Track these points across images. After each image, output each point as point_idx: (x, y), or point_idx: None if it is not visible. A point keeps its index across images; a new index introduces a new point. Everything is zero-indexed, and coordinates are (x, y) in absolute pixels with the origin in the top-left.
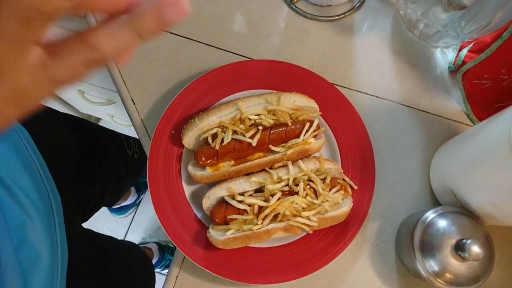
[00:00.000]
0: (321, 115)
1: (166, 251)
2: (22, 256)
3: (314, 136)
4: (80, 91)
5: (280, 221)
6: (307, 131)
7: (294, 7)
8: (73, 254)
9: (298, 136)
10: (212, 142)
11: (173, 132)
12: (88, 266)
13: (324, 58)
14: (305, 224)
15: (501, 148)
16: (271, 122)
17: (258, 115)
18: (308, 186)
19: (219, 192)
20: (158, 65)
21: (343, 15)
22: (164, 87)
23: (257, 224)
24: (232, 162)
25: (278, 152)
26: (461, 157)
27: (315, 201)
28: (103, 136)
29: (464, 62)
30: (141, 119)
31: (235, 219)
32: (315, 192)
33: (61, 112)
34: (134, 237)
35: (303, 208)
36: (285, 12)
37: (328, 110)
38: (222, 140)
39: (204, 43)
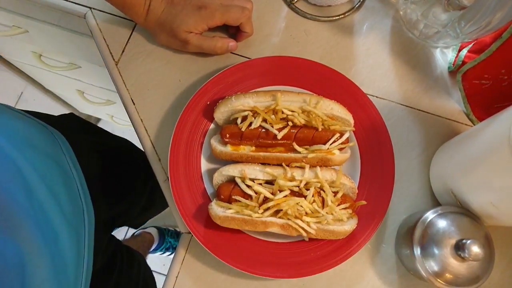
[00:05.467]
0: (354, 131)
1: (166, 233)
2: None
3: (340, 149)
4: (80, 91)
5: (280, 217)
6: (334, 141)
7: (294, 7)
8: (94, 266)
9: (324, 143)
10: (241, 123)
11: (208, 103)
12: (102, 270)
13: (324, 59)
14: (303, 228)
15: (501, 148)
16: (303, 122)
17: (292, 111)
18: (318, 194)
19: (232, 171)
20: (158, 65)
21: (343, 15)
22: (164, 87)
23: (257, 212)
24: (253, 148)
25: (299, 153)
26: (461, 157)
27: (320, 210)
28: (138, 156)
29: (464, 63)
30: (141, 119)
31: (239, 201)
32: (323, 202)
33: (104, 130)
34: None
35: (306, 213)
36: (285, 12)
37: (363, 130)
38: (250, 124)
39: None
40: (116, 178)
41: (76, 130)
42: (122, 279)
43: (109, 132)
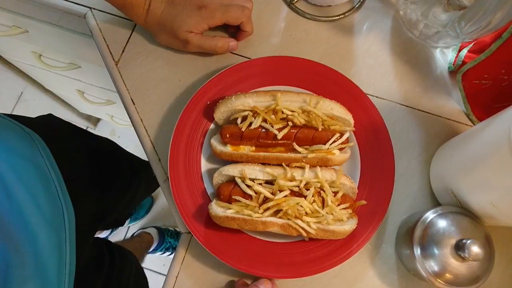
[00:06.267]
0: (354, 131)
1: (166, 233)
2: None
3: (340, 149)
4: (80, 91)
5: (280, 217)
6: (334, 141)
7: (294, 7)
8: (81, 262)
9: (324, 143)
10: (241, 123)
11: (208, 103)
12: (90, 269)
13: (324, 59)
14: (303, 228)
15: (501, 148)
16: (303, 122)
17: (292, 111)
18: (318, 194)
19: (232, 171)
20: (158, 65)
21: (343, 15)
22: (164, 87)
23: (257, 212)
24: (253, 148)
25: (299, 153)
26: (461, 157)
27: (320, 211)
28: (121, 157)
29: (464, 62)
30: (141, 119)
31: (239, 201)
32: (323, 202)
33: (84, 130)
34: (133, 226)
35: (306, 213)
36: (285, 12)
37: (363, 130)
38: (250, 124)
39: None
40: (99, 176)
41: (55, 130)
42: (112, 279)
43: (90, 132)
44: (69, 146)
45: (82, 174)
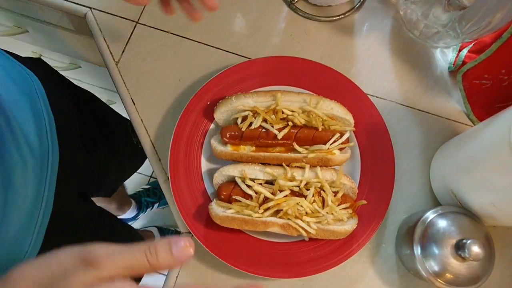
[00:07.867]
0: (354, 131)
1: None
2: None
3: (340, 149)
4: None
5: (280, 217)
6: (335, 141)
7: (294, 7)
8: (61, 211)
9: (324, 143)
10: (241, 123)
11: (208, 103)
12: (79, 226)
13: (324, 59)
14: (303, 228)
15: (501, 148)
16: (303, 122)
17: (292, 111)
18: (318, 194)
19: (232, 171)
20: (158, 65)
21: (343, 16)
22: (164, 87)
23: (257, 212)
24: (253, 148)
25: (299, 153)
26: (461, 157)
27: (320, 210)
28: (112, 117)
29: (464, 63)
30: (141, 119)
31: (239, 201)
32: (323, 202)
33: (78, 86)
34: (133, 224)
35: (306, 212)
36: (285, 12)
37: (363, 130)
38: (250, 124)
39: (204, 44)
40: (88, 129)
41: (47, 74)
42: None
43: (83, 88)
44: (60, 93)
45: (70, 122)
